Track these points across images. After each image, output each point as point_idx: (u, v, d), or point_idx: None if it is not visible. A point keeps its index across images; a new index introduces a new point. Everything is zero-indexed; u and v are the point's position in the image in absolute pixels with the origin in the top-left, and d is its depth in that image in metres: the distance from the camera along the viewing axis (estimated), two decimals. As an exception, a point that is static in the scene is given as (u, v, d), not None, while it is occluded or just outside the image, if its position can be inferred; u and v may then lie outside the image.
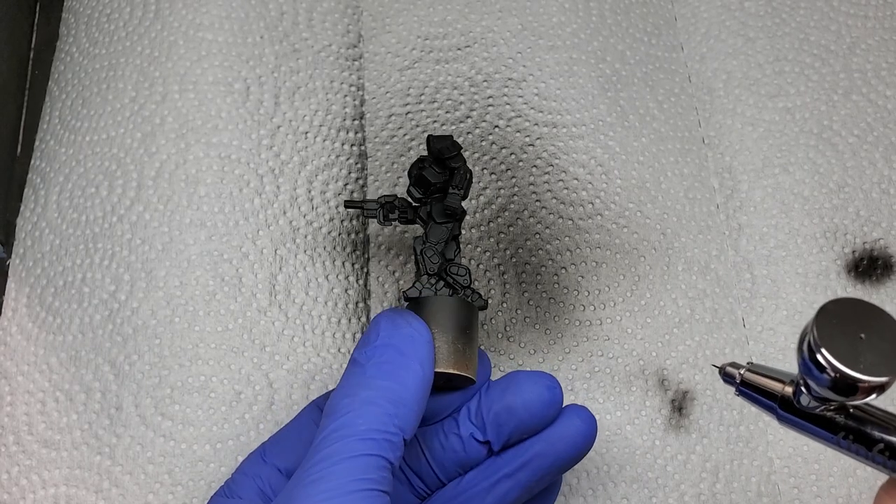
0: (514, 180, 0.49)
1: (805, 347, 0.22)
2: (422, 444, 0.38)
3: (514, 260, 0.48)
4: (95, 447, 0.43)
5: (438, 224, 0.41)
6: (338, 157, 0.50)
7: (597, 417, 0.44)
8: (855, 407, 0.23)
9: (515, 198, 0.49)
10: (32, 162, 0.51)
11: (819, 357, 0.21)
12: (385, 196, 0.42)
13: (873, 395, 0.21)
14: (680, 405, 0.45)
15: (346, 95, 0.51)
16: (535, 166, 0.50)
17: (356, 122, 0.51)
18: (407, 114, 0.52)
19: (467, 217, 0.49)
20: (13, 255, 0.48)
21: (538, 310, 0.47)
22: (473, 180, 0.49)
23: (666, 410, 0.45)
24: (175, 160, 0.46)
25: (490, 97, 0.51)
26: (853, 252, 0.49)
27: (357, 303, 0.47)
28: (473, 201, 0.49)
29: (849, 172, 0.50)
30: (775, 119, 0.52)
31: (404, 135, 0.51)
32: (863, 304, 0.22)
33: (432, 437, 0.38)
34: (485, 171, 0.50)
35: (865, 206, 0.50)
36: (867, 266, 0.48)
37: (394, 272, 0.48)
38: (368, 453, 0.31)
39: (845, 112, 0.52)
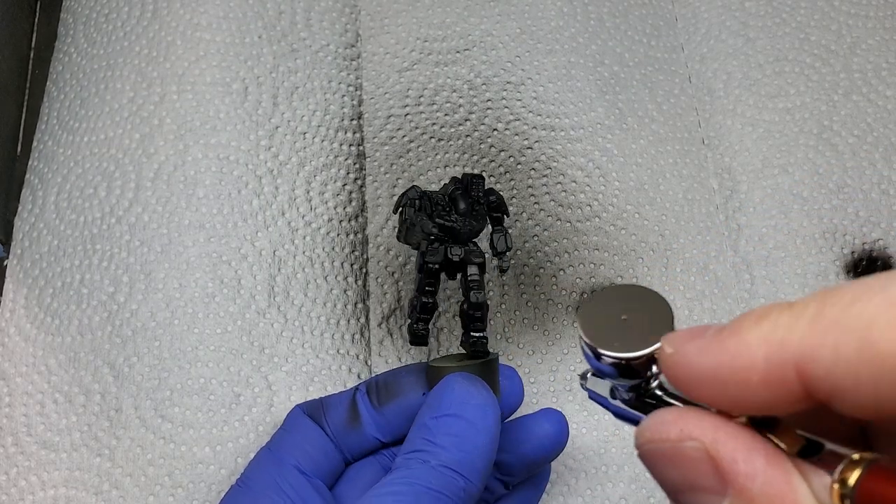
0: (512, 183, 0.49)
1: (579, 342, 0.22)
2: None
3: (512, 262, 0.48)
4: (95, 449, 0.43)
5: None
6: (336, 157, 0.49)
7: (595, 418, 0.45)
8: (660, 387, 0.23)
9: (514, 200, 0.49)
10: (30, 163, 0.50)
11: (584, 346, 0.22)
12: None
13: (653, 369, 0.22)
14: (678, 406, 0.45)
15: (343, 95, 0.51)
16: (533, 169, 0.50)
17: (354, 122, 0.51)
18: (406, 115, 0.52)
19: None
20: (11, 256, 0.48)
21: (536, 311, 0.47)
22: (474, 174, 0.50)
23: (664, 412, 0.45)
24: (173, 161, 0.46)
25: (489, 100, 0.51)
26: (852, 253, 0.49)
27: (356, 304, 0.47)
28: (472, 203, 0.49)
29: (848, 173, 0.50)
30: (775, 119, 0.51)
31: (403, 136, 0.51)
32: (626, 287, 0.23)
33: None
34: (483, 174, 0.50)
35: (865, 206, 0.49)
36: (866, 267, 0.48)
37: (392, 273, 0.48)
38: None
39: (845, 112, 0.51)
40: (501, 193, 0.42)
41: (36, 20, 0.56)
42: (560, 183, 0.49)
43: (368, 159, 0.51)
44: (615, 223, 0.48)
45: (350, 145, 0.50)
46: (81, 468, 0.43)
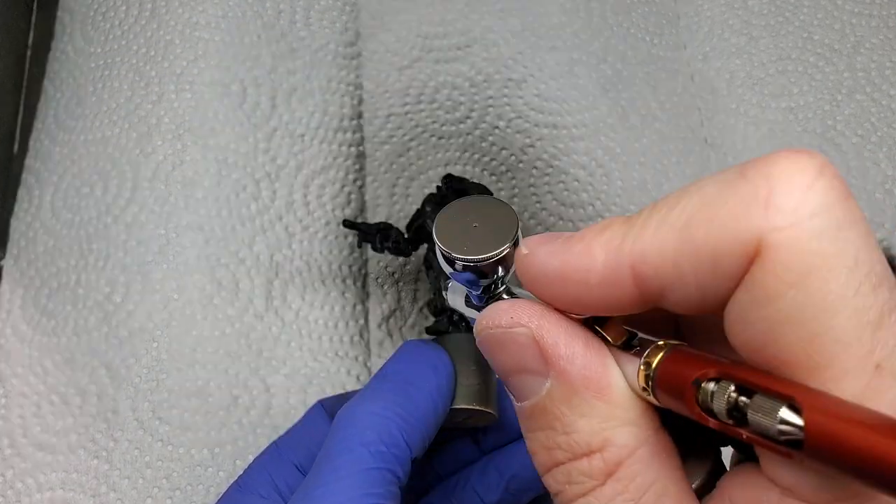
0: (514, 182, 0.49)
1: (436, 250, 0.24)
2: None
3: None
4: (92, 451, 0.42)
5: None
6: (335, 159, 0.49)
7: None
8: (507, 292, 0.25)
9: (516, 199, 0.49)
10: (27, 161, 0.50)
11: (439, 253, 0.24)
12: (383, 223, 0.42)
13: (499, 272, 0.24)
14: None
15: (343, 95, 0.51)
16: (535, 168, 0.49)
17: (354, 122, 0.51)
18: (406, 114, 0.51)
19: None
20: (7, 256, 0.48)
21: (538, 312, 0.46)
22: (472, 181, 0.49)
23: (667, 414, 0.45)
24: (171, 161, 0.46)
25: (490, 98, 0.51)
26: (856, 253, 0.48)
27: (355, 305, 0.47)
28: (473, 202, 0.49)
29: (852, 172, 0.50)
30: (778, 119, 0.51)
31: (403, 135, 0.51)
32: (476, 199, 0.25)
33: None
34: (485, 173, 0.49)
35: (869, 206, 0.49)
36: (870, 267, 0.48)
37: (392, 273, 0.48)
38: (376, 466, 0.31)
39: (849, 112, 0.51)
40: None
41: (33, 18, 0.56)
42: (562, 182, 0.49)
43: (369, 159, 0.50)
44: (618, 223, 0.48)
45: (349, 146, 0.50)
46: (78, 470, 0.42)
